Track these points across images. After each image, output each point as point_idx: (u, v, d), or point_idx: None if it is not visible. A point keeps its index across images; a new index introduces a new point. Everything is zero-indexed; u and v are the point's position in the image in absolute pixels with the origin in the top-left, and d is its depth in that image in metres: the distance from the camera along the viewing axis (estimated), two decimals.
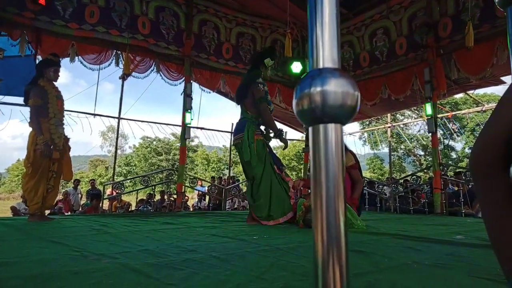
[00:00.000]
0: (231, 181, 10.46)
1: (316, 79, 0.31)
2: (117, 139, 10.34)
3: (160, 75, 6.60)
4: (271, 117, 4.12)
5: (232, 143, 4.32)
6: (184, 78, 6.71)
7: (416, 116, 22.47)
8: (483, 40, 5.53)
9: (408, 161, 28.77)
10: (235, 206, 9.39)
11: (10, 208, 8.17)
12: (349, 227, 3.37)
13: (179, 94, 6.73)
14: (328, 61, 0.31)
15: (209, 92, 7.36)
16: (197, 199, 11.86)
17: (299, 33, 8.13)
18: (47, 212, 4.45)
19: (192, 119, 6.63)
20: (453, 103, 23.35)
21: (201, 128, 9.91)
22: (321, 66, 0.31)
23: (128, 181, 24.39)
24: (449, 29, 6.15)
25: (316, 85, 0.30)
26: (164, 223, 3.82)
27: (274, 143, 4.44)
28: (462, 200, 6.08)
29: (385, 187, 8.10)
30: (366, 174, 26.04)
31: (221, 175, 18.74)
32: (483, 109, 11.78)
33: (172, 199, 7.29)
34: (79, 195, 10.10)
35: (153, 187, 7.34)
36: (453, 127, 19.83)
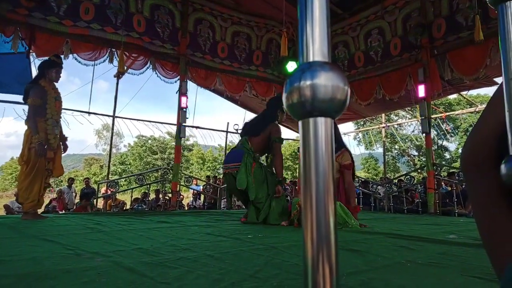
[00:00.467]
0: None
1: (306, 72, 0.30)
2: (111, 137, 10.29)
3: (156, 73, 6.58)
4: (282, 161, 4.15)
5: (223, 171, 4.22)
6: (179, 76, 6.69)
7: (410, 117, 22.58)
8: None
9: (402, 161, 28.92)
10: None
11: (3, 206, 8.12)
12: (344, 226, 3.38)
13: (174, 92, 6.72)
14: (318, 55, 0.31)
15: (207, 88, 7.36)
16: (192, 198, 11.84)
17: (295, 33, 8.14)
18: (40, 210, 4.45)
19: (187, 118, 6.62)
20: (446, 104, 23.50)
21: (197, 127, 9.89)
22: (311, 59, 0.31)
23: (123, 179, 24.33)
24: (443, 29, 6.19)
25: (306, 79, 0.30)
26: (158, 222, 3.81)
27: None
28: (455, 200, 6.13)
29: (379, 186, 8.15)
30: (361, 173, 26.15)
31: (216, 174, 18.70)
32: (477, 110, 11.86)
33: (167, 198, 7.27)
34: (74, 194, 10.04)
35: (148, 186, 7.32)
36: (446, 128, 19.96)
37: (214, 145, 34.74)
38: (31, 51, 5.32)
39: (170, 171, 6.90)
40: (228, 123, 11.45)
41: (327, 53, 0.31)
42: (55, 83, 4.11)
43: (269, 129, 4.03)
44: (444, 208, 6.39)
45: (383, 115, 13.21)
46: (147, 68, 6.45)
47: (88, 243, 2.23)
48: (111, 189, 6.90)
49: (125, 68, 6.21)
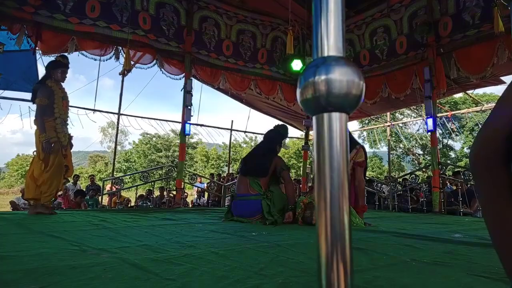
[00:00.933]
0: (230, 178, 10.46)
1: (320, 67, 0.30)
2: (116, 135, 10.33)
3: (161, 70, 6.58)
4: (293, 188, 4.12)
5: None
6: (184, 74, 6.70)
7: (415, 115, 22.46)
8: (484, 40, 5.52)
9: (407, 160, 28.77)
10: None
11: (10, 203, 8.17)
12: None
13: (179, 90, 6.74)
14: (332, 50, 0.30)
15: (212, 86, 7.36)
16: (196, 196, 11.87)
17: (300, 31, 8.11)
18: None
19: (192, 116, 6.63)
20: (452, 103, 23.32)
21: (201, 125, 9.90)
22: (325, 54, 0.31)
23: (128, 177, 24.41)
24: (449, 28, 6.14)
25: (320, 74, 0.30)
26: (163, 219, 3.82)
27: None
28: (461, 199, 6.09)
29: (383, 185, 8.12)
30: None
31: (221, 172, 18.73)
32: (482, 109, 11.78)
33: (172, 195, 7.29)
34: None
35: (152, 183, 7.34)
36: (452, 127, 19.83)
37: (218, 143, 34.76)
38: (37, 48, 5.35)
39: (175, 168, 6.92)
40: (232, 121, 11.47)
41: (342, 48, 0.30)
42: (61, 83, 4.19)
43: (273, 163, 3.92)
44: (449, 207, 6.35)
45: (388, 113, 13.15)
46: (154, 64, 6.45)
47: (93, 239, 2.25)
48: (116, 186, 6.92)
49: (132, 64, 6.22)
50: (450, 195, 6.88)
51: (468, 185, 6.53)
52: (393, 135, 23.20)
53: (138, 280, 1.30)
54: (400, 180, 8.89)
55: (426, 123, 6.41)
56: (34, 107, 4.04)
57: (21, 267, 1.46)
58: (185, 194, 9.56)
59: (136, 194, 8.35)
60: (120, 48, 6.07)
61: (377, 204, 7.35)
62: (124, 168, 35.61)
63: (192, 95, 6.61)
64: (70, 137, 4.29)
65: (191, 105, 6.58)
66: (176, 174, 6.70)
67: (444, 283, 1.41)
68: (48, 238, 2.28)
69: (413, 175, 7.73)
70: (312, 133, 0.34)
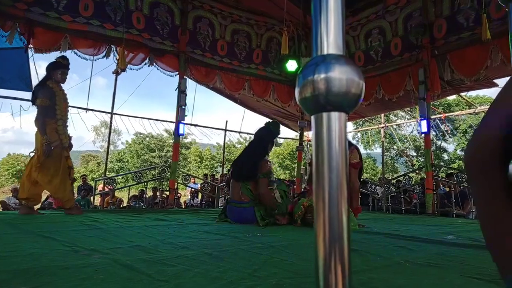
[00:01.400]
0: (224, 179, 10.44)
1: (320, 65, 0.29)
2: (109, 134, 10.26)
3: (156, 67, 6.52)
4: (270, 199, 3.70)
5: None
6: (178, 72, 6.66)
7: (409, 117, 22.59)
8: (478, 42, 5.57)
9: (401, 161, 28.94)
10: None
11: (0, 203, 8.08)
12: None
13: (173, 90, 6.69)
14: (332, 48, 0.30)
15: (206, 86, 7.33)
16: (189, 196, 11.83)
17: (295, 31, 8.12)
18: (36, 207, 4.50)
19: (186, 115, 6.60)
20: (446, 105, 23.51)
21: (195, 125, 9.88)
22: (325, 52, 0.30)
23: (120, 177, 24.26)
24: (444, 30, 6.18)
25: (320, 72, 0.29)
26: (156, 220, 3.79)
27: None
28: (454, 201, 6.14)
29: (377, 187, 8.16)
30: None
31: (214, 173, 18.68)
32: (476, 111, 11.88)
33: (165, 195, 7.26)
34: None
35: (145, 183, 7.29)
36: (445, 129, 19.99)
37: (212, 143, 34.69)
38: (30, 46, 5.29)
39: (168, 169, 6.88)
40: (226, 121, 11.46)
41: (342, 45, 0.30)
42: (61, 84, 4.16)
43: (260, 166, 3.74)
44: (442, 209, 6.40)
45: (382, 115, 13.22)
46: (145, 63, 6.38)
47: (85, 240, 2.22)
48: (108, 186, 6.87)
49: (127, 62, 6.17)
50: (443, 197, 6.93)
51: (461, 187, 6.58)
52: (387, 137, 23.32)
53: (130, 281, 1.29)
54: (394, 181, 8.93)
55: (420, 125, 6.44)
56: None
57: (12, 267, 1.44)
58: (178, 194, 9.52)
59: (128, 194, 8.30)
60: (114, 46, 6.02)
61: (370, 205, 7.38)
62: (117, 168, 35.38)
63: (186, 95, 6.58)
64: (70, 138, 4.27)
65: (185, 104, 6.55)
66: (170, 174, 6.66)
67: (438, 284, 1.41)
68: (40, 238, 2.25)
69: (407, 177, 7.78)
70: (311, 133, 0.33)
